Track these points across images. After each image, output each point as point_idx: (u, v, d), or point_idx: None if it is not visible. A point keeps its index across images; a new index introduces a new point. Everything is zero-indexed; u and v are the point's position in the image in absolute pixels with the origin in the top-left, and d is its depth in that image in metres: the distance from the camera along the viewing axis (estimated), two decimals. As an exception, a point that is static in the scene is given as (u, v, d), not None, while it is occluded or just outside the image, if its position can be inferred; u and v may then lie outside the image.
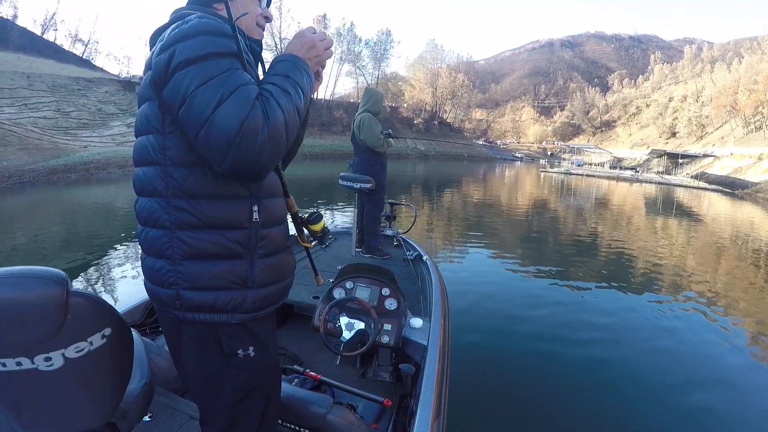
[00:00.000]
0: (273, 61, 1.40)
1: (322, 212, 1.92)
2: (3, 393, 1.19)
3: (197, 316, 1.36)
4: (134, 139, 1.43)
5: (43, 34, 55.44)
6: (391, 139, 5.31)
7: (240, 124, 1.14)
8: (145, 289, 1.46)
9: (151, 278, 1.40)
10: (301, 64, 1.39)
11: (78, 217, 13.23)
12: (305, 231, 1.70)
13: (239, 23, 1.40)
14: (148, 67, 1.30)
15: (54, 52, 48.79)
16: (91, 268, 7.63)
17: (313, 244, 1.82)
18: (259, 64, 1.54)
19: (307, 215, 1.70)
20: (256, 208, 1.39)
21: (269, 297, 1.47)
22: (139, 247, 1.45)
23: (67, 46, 57.39)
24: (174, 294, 1.35)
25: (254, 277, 1.41)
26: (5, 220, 12.86)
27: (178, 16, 1.38)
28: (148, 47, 1.43)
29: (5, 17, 49.88)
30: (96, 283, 6.82)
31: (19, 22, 51.41)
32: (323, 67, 1.55)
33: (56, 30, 63.01)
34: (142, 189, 1.39)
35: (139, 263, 1.49)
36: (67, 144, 29.82)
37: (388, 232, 5.60)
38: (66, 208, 15.48)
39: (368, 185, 4.85)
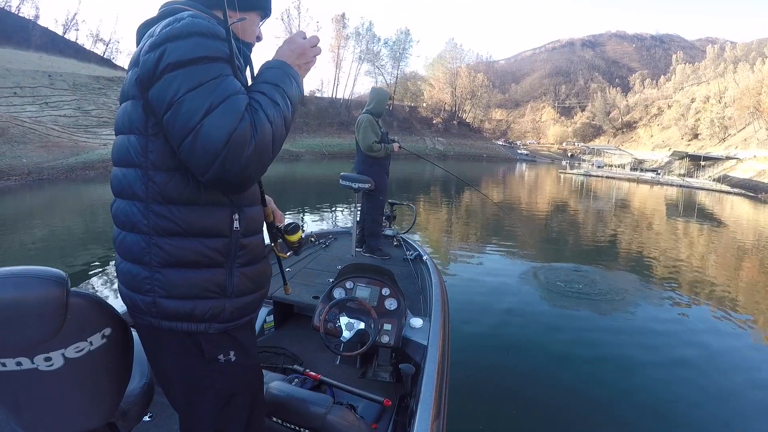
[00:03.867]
0: (262, 67, 1.39)
1: (299, 223, 1.91)
2: (3, 393, 1.20)
3: (174, 325, 1.33)
4: None
5: (64, 33, 56.08)
6: (394, 144, 5.31)
7: (228, 137, 1.12)
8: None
9: (126, 284, 1.36)
10: (291, 72, 1.38)
11: (97, 214, 13.40)
12: (281, 240, 1.71)
13: (234, 26, 1.37)
14: (134, 63, 1.26)
15: (75, 51, 49.34)
16: (93, 267, 7.68)
17: (288, 254, 1.81)
18: (248, 67, 1.49)
19: (284, 225, 1.70)
20: (236, 216, 1.37)
21: (247, 306, 1.45)
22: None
23: (88, 46, 57.91)
24: (151, 301, 1.31)
25: (233, 286, 1.38)
26: (24, 217, 13.06)
27: (168, 11, 1.34)
28: (135, 41, 1.38)
29: (27, 17, 50.60)
30: (96, 283, 6.87)
31: (41, 23, 52.05)
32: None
33: (77, 30, 64.01)
34: (120, 191, 1.35)
35: None
36: (87, 142, 30.22)
37: (388, 232, 5.64)
38: (84, 205, 15.69)
39: (366, 185, 4.85)
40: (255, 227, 1.46)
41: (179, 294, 1.30)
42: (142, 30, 1.35)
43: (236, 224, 1.36)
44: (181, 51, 1.16)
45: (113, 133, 1.40)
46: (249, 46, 1.56)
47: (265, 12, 1.59)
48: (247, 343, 1.47)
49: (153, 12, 1.37)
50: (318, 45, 1.51)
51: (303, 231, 1.74)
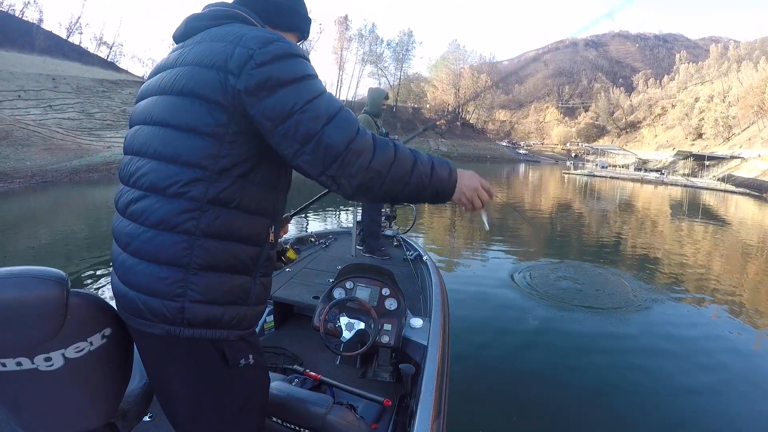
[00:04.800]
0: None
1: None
2: (3, 393, 1.20)
3: (199, 332, 1.28)
4: None
5: (68, 37, 56.46)
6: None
7: (348, 142, 1.23)
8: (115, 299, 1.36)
9: (145, 288, 1.27)
10: (452, 178, 1.42)
11: (100, 217, 13.43)
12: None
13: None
14: (222, 68, 1.25)
15: (79, 54, 49.63)
16: (94, 267, 7.70)
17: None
18: None
19: (290, 241, 1.76)
20: (272, 228, 1.43)
21: (260, 314, 1.47)
22: (124, 253, 1.33)
23: (92, 49, 58.24)
24: (178, 307, 1.25)
25: (255, 294, 1.40)
26: (28, 219, 13.11)
27: (225, 13, 1.41)
28: (180, 32, 1.45)
29: (31, 21, 50.86)
30: (97, 283, 6.87)
31: (45, 26, 52.37)
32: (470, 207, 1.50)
33: (81, 33, 64.34)
34: (160, 188, 1.27)
35: None
36: (90, 144, 30.26)
37: (388, 232, 5.66)
38: (88, 207, 15.73)
39: None
40: (277, 240, 1.51)
41: (213, 299, 1.29)
42: (196, 24, 1.42)
43: (271, 236, 1.42)
44: (294, 69, 1.26)
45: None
46: None
47: (302, 34, 1.68)
48: (257, 343, 1.48)
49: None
50: (488, 194, 1.51)
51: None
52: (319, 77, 1.34)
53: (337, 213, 14.21)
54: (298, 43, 1.63)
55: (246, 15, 1.42)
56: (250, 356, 1.40)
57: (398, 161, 1.30)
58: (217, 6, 1.43)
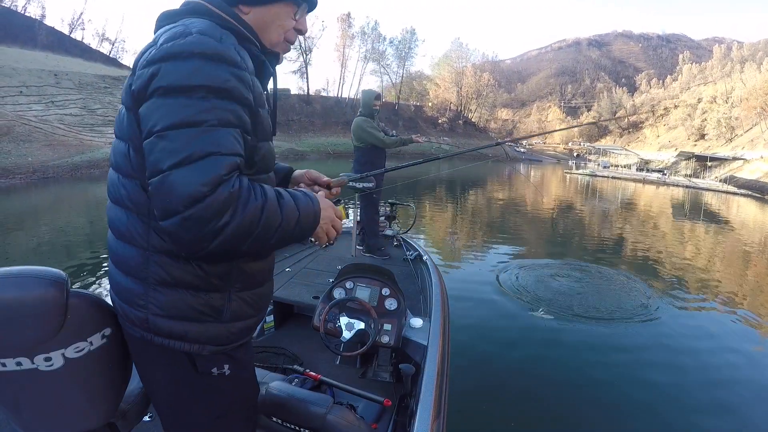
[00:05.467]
0: (302, 192, 1.28)
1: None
2: (3, 393, 1.21)
3: (167, 342, 1.25)
4: None
5: (70, 33, 56.33)
6: (412, 136, 5.58)
7: (193, 199, 0.98)
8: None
9: (119, 294, 1.29)
10: (317, 217, 1.27)
11: (101, 213, 13.35)
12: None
13: (262, 32, 1.31)
14: (133, 70, 1.15)
15: (81, 51, 49.63)
16: (96, 267, 7.69)
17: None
18: (271, 79, 1.40)
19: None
20: None
21: (245, 330, 1.37)
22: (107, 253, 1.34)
23: (94, 45, 58.15)
24: (143, 317, 1.24)
25: (230, 311, 1.29)
26: (29, 216, 13.16)
27: (191, 8, 1.23)
28: (154, 30, 1.26)
29: (33, 17, 50.83)
30: (98, 283, 6.86)
31: (47, 22, 52.32)
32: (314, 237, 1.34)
33: (84, 29, 63.93)
34: (118, 199, 1.25)
35: None
36: (92, 140, 30.32)
37: (388, 232, 5.70)
38: (89, 203, 15.76)
39: (370, 185, 4.88)
40: None
41: (174, 315, 1.23)
42: (161, 22, 1.25)
43: None
44: (177, 74, 1.04)
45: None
46: (277, 57, 1.42)
47: (302, 2, 1.38)
48: (242, 356, 1.41)
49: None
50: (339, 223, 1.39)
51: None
52: (228, 90, 1.08)
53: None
54: (306, 15, 1.41)
55: (209, 5, 1.22)
56: (226, 366, 1.33)
57: (263, 224, 1.09)
58: (187, 1, 1.27)
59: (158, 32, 1.18)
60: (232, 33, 1.20)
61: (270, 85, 1.43)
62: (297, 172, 1.72)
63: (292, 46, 1.44)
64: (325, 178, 1.73)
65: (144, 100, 1.07)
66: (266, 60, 1.32)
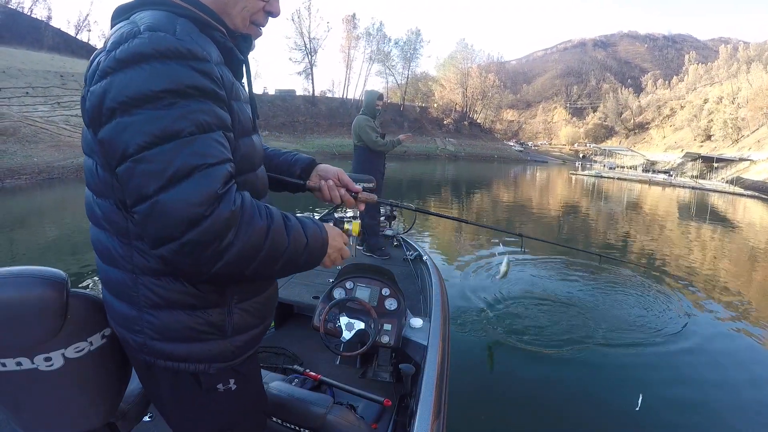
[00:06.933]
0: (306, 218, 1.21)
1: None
2: (3, 393, 1.21)
3: (171, 364, 1.20)
4: None
5: (76, 34, 56.85)
6: (399, 136, 5.74)
7: (193, 218, 0.91)
8: None
9: (115, 319, 1.23)
10: (324, 246, 1.21)
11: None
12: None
13: (224, 14, 1.15)
14: (85, 80, 1.02)
15: (87, 52, 49.77)
16: (94, 267, 7.63)
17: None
18: (245, 69, 1.24)
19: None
20: None
21: (251, 340, 1.31)
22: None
23: (100, 47, 58.64)
24: (141, 341, 1.18)
25: (233, 325, 1.22)
26: (34, 216, 13.24)
27: (139, 2, 1.07)
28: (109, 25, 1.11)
29: (40, 18, 51.16)
30: (98, 283, 6.82)
31: (54, 24, 52.75)
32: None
33: (90, 31, 64.54)
34: (96, 221, 1.17)
35: None
36: (99, 141, 30.37)
37: (388, 232, 5.72)
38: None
39: (371, 185, 4.88)
40: None
41: (173, 337, 1.16)
42: (115, 19, 1.10)
43: None
44: (133, 85, 0.90)
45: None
46: (248, 40, 1.25)
47: None
48: (248, 370, 1.35)
49: None
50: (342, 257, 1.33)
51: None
52: (197, 87, 0.95)
53: (337, 212, 14.12)
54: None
55: None
56: (231, 381, 1.29)
57: (269, 246, 1.02)
58: None
59: (110, 32, 1.05)
60: (191, 20, 1.06)
61: (246, 76, 1.28)
62: (322, 167, 1.67)
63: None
64: (356, 186, 1.69)
65: (101, 123, 0.94)
66: (235, 46, 1.18)
